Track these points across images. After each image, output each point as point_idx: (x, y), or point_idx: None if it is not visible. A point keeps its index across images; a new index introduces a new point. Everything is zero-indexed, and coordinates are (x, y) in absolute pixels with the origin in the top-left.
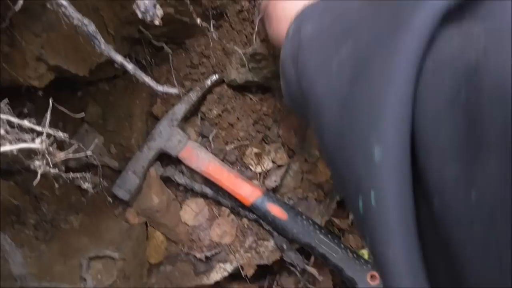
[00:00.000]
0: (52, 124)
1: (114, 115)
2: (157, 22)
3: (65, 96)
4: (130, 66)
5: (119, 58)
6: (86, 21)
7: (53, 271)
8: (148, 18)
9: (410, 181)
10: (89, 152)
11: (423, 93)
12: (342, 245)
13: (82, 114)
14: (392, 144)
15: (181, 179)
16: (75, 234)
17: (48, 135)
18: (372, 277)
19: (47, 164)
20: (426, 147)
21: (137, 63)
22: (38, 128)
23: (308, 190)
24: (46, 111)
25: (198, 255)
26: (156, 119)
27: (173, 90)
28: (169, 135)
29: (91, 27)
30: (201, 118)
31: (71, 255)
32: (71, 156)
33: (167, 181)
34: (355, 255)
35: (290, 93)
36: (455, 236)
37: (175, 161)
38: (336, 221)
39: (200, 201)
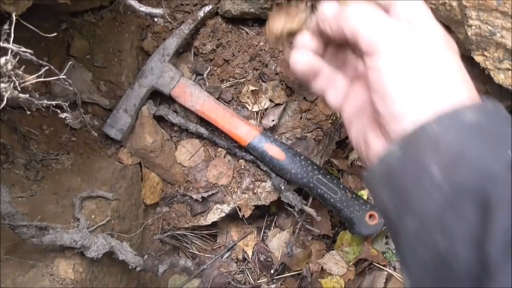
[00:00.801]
0: (37, 58)
1: (102, 50)
2: None
3: (48, 28)
4: None
5: None
6: None
7: (45, 211)
8: None
9: None
10: (62, 76)
11: None
12: (341, 186)
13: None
14: None
15: (175, 118)
16: (67, 174)
17: (15, 56)
18: (371, 216)
19: (15, 87)
20: None
21: None
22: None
23: (307, 129)
24: (26, 41)
25: (195, 196)
26: (147, 54)
27: (157, 10)
28: (161, 72)
29: None
30: (195, 54)
31: (64, 195)
32: (42, 79)
33: (160, 120)
34: (354, 196)
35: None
36: None
37: (168, 100)
38: (335, 161)
39: (196, 141)
